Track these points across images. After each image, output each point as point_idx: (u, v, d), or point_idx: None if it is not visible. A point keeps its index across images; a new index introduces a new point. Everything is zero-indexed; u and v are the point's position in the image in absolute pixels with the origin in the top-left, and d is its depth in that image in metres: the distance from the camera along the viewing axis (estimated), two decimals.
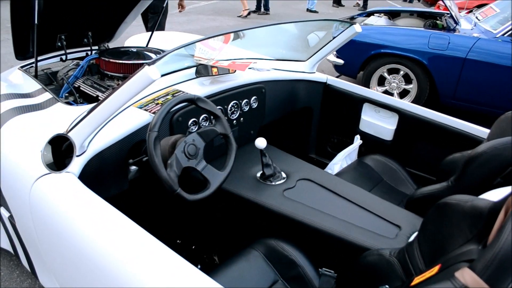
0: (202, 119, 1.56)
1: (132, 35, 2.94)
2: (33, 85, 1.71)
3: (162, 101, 1.46)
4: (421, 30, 3.65)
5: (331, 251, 1.35)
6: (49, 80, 2.09)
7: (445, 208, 0.96)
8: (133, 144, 1.35)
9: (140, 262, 0.91)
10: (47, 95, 1.60)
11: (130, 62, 1.85)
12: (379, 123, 2.10)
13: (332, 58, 3.83)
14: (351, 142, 2.18)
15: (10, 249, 1.59)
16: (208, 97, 1.57)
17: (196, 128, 1.54)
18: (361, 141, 2.14)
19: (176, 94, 1.52)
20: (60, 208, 1.07)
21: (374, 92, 2.12)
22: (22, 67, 2.00)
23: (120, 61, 1.85)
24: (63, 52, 2.12)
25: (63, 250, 1.11)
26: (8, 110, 1.44)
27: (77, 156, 1.15)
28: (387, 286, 1.00)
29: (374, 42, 3.60)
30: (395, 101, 2.02)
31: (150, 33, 2.72)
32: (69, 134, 1.13)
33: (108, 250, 0.96)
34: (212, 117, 1.49)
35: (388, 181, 1.90)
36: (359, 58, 3.72)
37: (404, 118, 1.98)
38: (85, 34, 2.23)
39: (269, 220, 1.44)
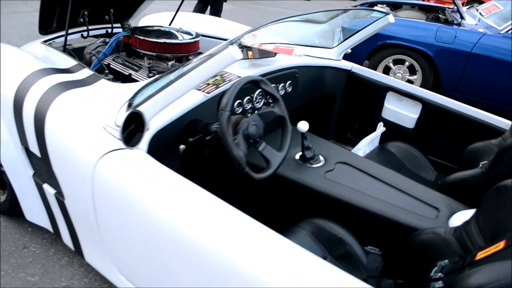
0: (246, 101, 1.58)
1: (146, 15, 2.89)
2: (68, 61, 1.68)
3: (212, 81, 1.47)
4: (428, 23, 3.74)
5: (377, 231, 1.41)
6: (71, 56, 2.05)
7: (506, 190, 1.04)
8: (187, 123, 1.36)
9: (228, 236, 0.94)
10: (87, 71, 1.58)
11: (167, 41, 1.84)
12: (402, 112, 2.18)
13: None
14: (373, 129, 2.24)
15: (48, 226, 1.58)
16: None
17: (241, 109, 1.56)
18: (384, 128, 2.21)
19: (224, 76, 1.53)
20: (136, 184, 1.08)
21: (398, 81, 2.18)
22: (45, 41, 1.96)
23: (157, 40, 1.83)
24: (83, 28, 2.08)
25: (135, 227, 1.11)
26: (54, 85, 1.42)
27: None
28: (446, 261, 1.07)
29: (382, 33, 3.66)
30: (419, 90, 2.09)
31: (165, 13, 2.69)
32: (139, 110, 1.14)
33: (192, 224, 0.98)
34: (269, 99, 1.50)
35: (410, 167, 1.98)
36: (366, 48, 3.79)
37: (428, 107, 2.05)
38: (106, 11, 2.19)
39: (314, 201, 1.49)
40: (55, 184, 1.41)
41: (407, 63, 3.75)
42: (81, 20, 2.12)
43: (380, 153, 2.04)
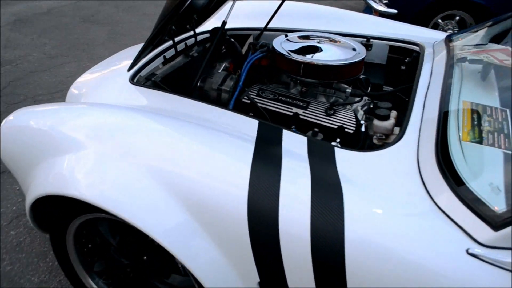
0: None
1: None
2: (244, 120, 1.15)
3: (488, 128, 1.04)
4: None
5: None
6: (218, 105, 1.35)
7: None
8: None
9: None
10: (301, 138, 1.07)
11: (344, 63, 1.34)
12: None
13: (382, 7, 3.46)
14: None
15: None
16: None
17: None
18: None
19: (490, 113, 1.10)
20: None
21: None
22: (132, 79, 1.39)
23: (336, 64, 1.33)
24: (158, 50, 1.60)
25: None
26: (313, 189, 0.89)
27: None
28: None
29: None
30: None
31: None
32: None
33: None
34: None
35: None
36: (414, 8, 3.41)
37: None
38: (189, 19, 1.61)
39: None
40: None
41: (457, 18, 3.45)
42: (166, 37, 1.53)
43: None
